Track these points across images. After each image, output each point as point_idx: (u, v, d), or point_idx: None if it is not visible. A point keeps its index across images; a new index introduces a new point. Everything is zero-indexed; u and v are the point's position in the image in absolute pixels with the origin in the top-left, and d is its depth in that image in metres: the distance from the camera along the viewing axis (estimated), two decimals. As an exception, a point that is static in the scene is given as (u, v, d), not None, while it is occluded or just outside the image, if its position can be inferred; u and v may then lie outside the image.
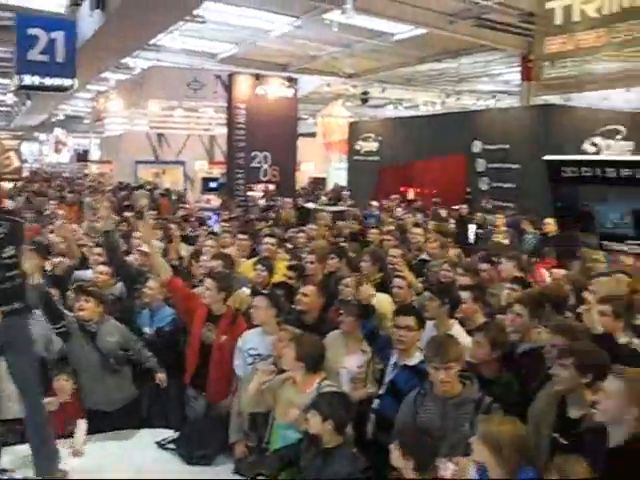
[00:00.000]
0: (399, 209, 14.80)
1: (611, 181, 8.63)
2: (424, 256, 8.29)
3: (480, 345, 4.54)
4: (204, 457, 5.13)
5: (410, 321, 4.76)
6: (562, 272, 7.08)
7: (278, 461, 4.21)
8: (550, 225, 10.46)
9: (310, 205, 17.16)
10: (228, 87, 20.10)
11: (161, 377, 5.78)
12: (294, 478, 4.17)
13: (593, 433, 3.51)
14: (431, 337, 4.55)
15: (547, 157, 9.66)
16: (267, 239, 8.06)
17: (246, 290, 6.35)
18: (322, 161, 28.86)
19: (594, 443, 3.44)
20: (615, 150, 14.29)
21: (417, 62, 22.63)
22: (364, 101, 25.72)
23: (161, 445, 5.27)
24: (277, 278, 6.80)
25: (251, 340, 5.33)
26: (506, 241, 9.67)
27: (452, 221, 12.55)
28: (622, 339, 4.80)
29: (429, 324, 5.15)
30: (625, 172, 8.47)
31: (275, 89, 19.98)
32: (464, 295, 5.60)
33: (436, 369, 4.06)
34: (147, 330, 6.25)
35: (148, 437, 5.43)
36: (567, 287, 5.81)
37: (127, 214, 11.81)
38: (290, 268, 6.92)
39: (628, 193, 8.54)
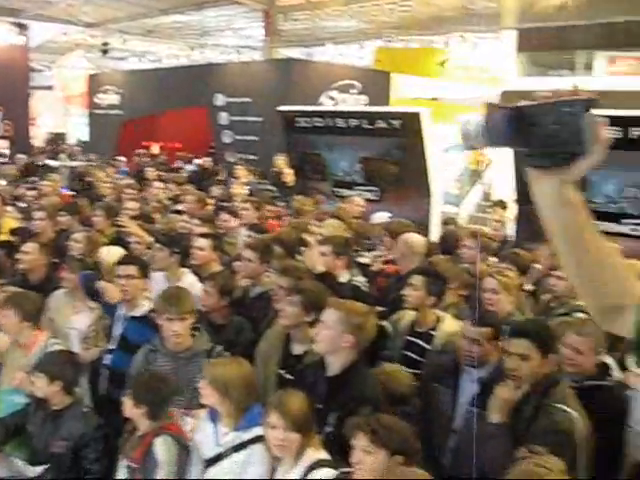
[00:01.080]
0: (147, 163, 14.55)
1: (341, 131, 9.07)
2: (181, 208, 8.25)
3: (209, 293, 4.62)
4: None
5: (131, 270, 4.67)
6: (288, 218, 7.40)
7: (4, 430, 3.99)
8: (289, 175, 10.82)
9: (50, 162, 16.28)
10: (-55, 32, 18.25)
11: None
12: (23, 446, 3.99)
13: (313, 367, 3.75)
14: (163, 289, 4.52)
15: (281, 108, 9.91)
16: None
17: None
18: (61, 115, 27.26)
19: (314, 375, 3.67)
20: (350, 103, 14.93)
21: (159, 13, 22.01)
22: (104, 52, 24.56)
23: None
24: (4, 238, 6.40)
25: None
26: (244, 191, 9.86)
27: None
28: (344, 277, 5.15)
29: (159, 275, 5.12)
30: (353, 122, 8.94)
31: (2, 36, 18.59)
32: (202, 243, 5.64)
33: (170, 320, 4.01)
34: None
35: None
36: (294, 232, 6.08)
37: None
38: (13, 232, 6.51)
39: (356, 142, 9.03)
